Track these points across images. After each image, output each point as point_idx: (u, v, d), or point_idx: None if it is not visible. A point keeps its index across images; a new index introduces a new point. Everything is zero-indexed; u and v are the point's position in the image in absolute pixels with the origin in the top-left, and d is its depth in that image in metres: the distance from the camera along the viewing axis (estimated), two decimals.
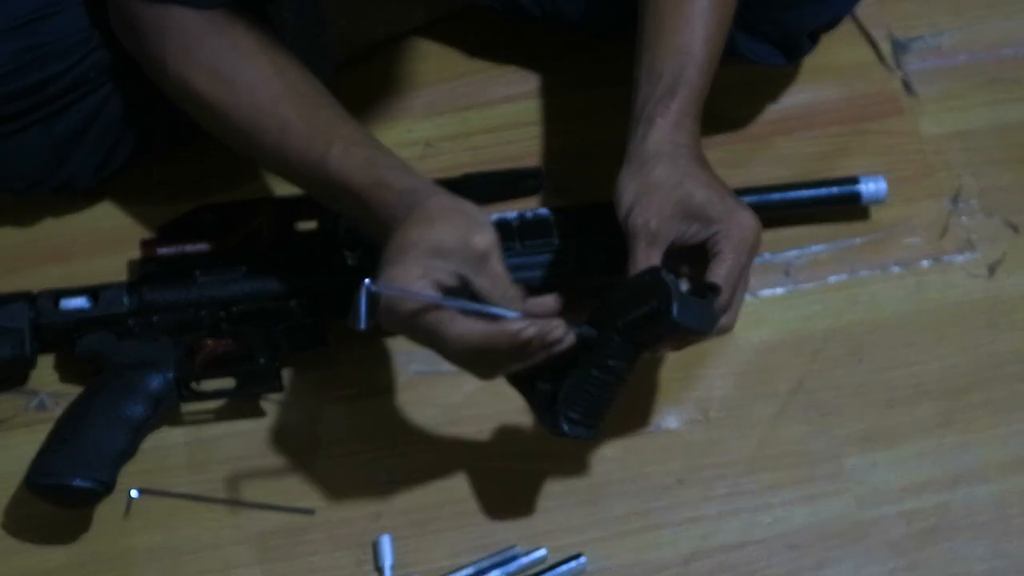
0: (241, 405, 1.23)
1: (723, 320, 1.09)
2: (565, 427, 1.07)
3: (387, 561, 1.15)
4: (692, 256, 1.11)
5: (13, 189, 1.27)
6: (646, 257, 1.09)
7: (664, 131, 1.11)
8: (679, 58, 1.13)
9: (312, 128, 1.10)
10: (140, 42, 1.14)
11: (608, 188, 1.32)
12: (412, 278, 1.01)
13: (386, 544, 1.16)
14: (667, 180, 1.10)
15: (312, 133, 1.10)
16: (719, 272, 1.08)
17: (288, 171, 1.13)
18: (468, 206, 1.06)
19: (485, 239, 1.03)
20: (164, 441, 1.22)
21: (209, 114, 1.13)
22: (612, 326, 1.06)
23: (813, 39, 1.32)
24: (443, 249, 1.03)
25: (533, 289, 1.21)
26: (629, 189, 1.11)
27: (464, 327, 1.02)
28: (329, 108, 1.13)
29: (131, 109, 1.25)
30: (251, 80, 1.11)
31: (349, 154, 1.09)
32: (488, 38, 1.41)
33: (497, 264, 1.04)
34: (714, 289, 1.06)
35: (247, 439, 1.22)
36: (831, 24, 1.31)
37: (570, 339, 1.05)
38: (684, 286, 1.05)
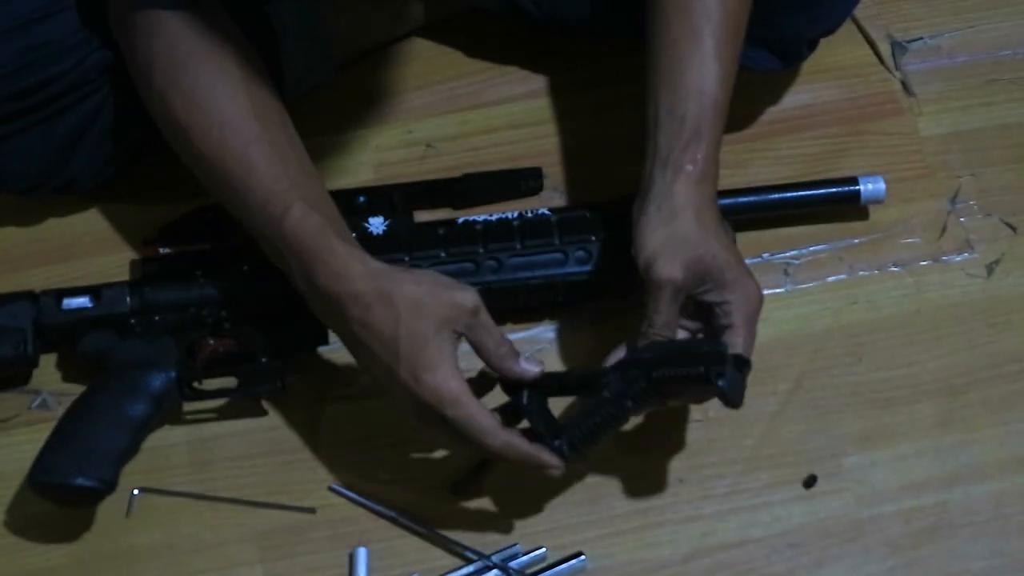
0: (242, 404, 1.23)
1: None
2: (566, 449, 1.09)
3: (361, 573, 1.16)
4: (693, 310, 1.14)
5: (15, 189, 1.28)
6: (669, 310, 1.11)
7: (693, 181, 1.12)
8: (701, 100, 1.13)
9: (276, 181, 1.11)
10: (131, 54, 1.15)
11: (608, 188, 1.33)
12: (452, 376, 1.07)
13: (361, 557, 1.16)
14: (694, 236, 1.11)
15: (274, 187, 1.11)
16: (736, 343, 1.10)
17: (243, 216, 1.13)
18: (429, 274, 1.11)
19: (470, 298, 1.08)
20: (166, 440, 1.22)
21: (181, 139, 1.13)
22: (645, 374, 1.08)
23: (811, 45, 1.32)
24: (445, 325, 1.07)
25: (533, 289, 1.22)
26: (655, 236, 1.11)
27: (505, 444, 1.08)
28: (296, 163, 1.13)
29: (132, 110, 1.25)
30: (226, 117, 1.11)
31: (307, 219, 1.10)
32: (488, 38, 1.42)
33: (487, 316, 1.09)
34: (748, 364, 1.09)
35: (248, 438, 1.22)
36: (830, 31, 1.32)
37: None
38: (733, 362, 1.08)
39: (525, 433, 1.10)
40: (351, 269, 1.08)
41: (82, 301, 1.21)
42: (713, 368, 1.05)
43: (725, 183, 1.32)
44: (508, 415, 1.11)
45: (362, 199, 1.27)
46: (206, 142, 1.12)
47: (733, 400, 1.06)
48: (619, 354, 1.13)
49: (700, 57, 1.14)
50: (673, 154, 1.12)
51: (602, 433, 1.10)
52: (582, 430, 1.10)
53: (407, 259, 1.22)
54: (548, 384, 1.12)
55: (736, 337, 1.10)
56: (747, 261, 1.15)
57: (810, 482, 1.19)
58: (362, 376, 1.24)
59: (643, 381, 1.08)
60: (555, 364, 1.25)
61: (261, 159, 1.11)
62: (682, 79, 1.14)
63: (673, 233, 1.11)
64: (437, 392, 1.06)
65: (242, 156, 1.11)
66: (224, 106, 1.11)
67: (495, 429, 1.07)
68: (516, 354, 1.10)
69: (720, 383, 1.05)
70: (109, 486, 1.14)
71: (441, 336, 1.07)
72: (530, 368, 1.10)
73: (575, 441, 1.10)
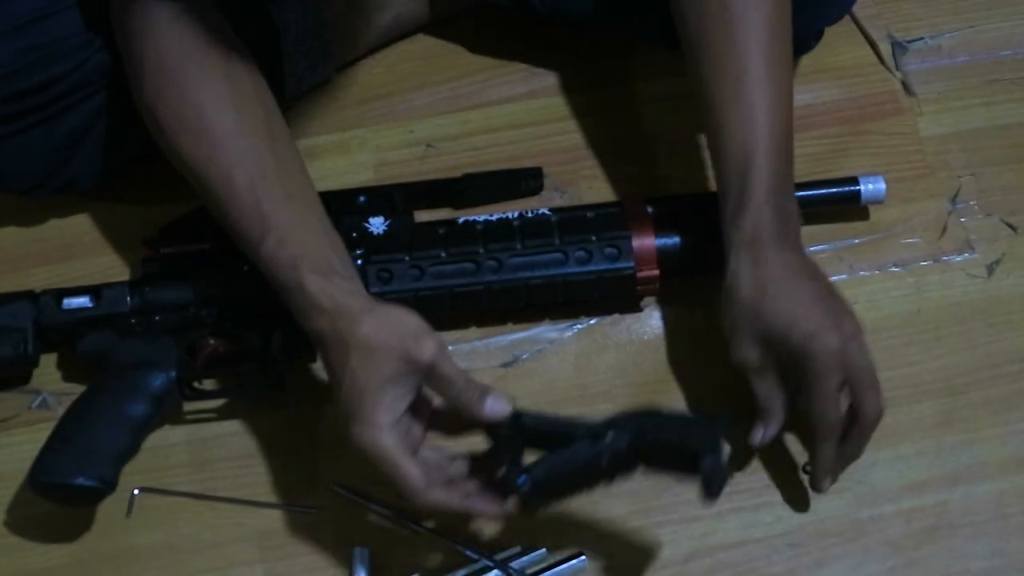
0: (243, 404, 1.23)
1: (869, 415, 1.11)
2: (527, 488, 1.04)
3: (361, 573, 1.16)
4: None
5: (15, 189, 1.28)
6: (765, 389, 1.12)
7: (745, 246, 1.12)
8: (745, 155, 1.12)
9: (255, 207, 1.09)
10: (125, 58, 1.14)
11: (609, 188, 1.33)
12: (384, 433, 1.04)
13: (362, 557, 1.16)
14: (753, 309, 1.10)
15: (252, 213, 1.10)
16: (811, 406, 1.10)
17: (229, 233, 1.12)
18: (397, 317, 1.06)
19: (427, 350, 1.04)
20: (166, 440, 1.22)
21: (169, 149, 1.13)
22: (628, 436, 1.05)
23: (818, 36, 1.32)
24: (394, 378, 1.04)
25: (533, 289, 1.22)
26: (725, 321, 1.13)
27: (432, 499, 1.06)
28: (279, 186, 1.11)
29: (133, 111, 1.25)
30: (214, 136, 1.11)
31: (280, 250, 1.08)
32: (489, 38, 1.42)
33: (446, 367, 1.06)
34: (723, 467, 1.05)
35: (249, 438, 1.22)
36: (836, 19, 1.32)
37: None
38: (728, 451, 1.05)
39: (489, 465, 1.08)
40: (316, 306, 1.07)
41: (82, 301, 1.22)
42: (698, 449, 1.02)
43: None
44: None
45: (362, 199, 1.27)
46: (193, 156, 1.11)
47: (708, 486, 1.02)
48: (500, 405, 1.07)
49: (742, 107, 1.13)
50: (727, 218, 1.13)
51: (568, 482, 1.05)
52: (548, 469, 1.05)
53: (407, 259, 1.22)
54: (522, 425, 1.07)
55: (809, 400, 1.10)
56: None
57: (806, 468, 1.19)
58: None
59: (624, 443, 1.04)
60: (556, 364, 1.25)
61: (243, 182, 1.10)
62: (723, 133, 1.14)
63: (732, 319, 1.12)
64: (363, 446, 1.04)
65: (226, 177, 1.10)
66: (211, 124, 1.11)
67: (420, 489, 1.04)
68: (482, 396, 1.06)
69: (703, 466, 1.01)
70: (109, 486, 1.14)
71: (384, 390, 1.04)
72: (498, 409, 1.06)
73: (539, 479, 1.04)
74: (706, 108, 1.16)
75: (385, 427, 1.04)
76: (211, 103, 1.11)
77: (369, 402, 1.04)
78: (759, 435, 1.14)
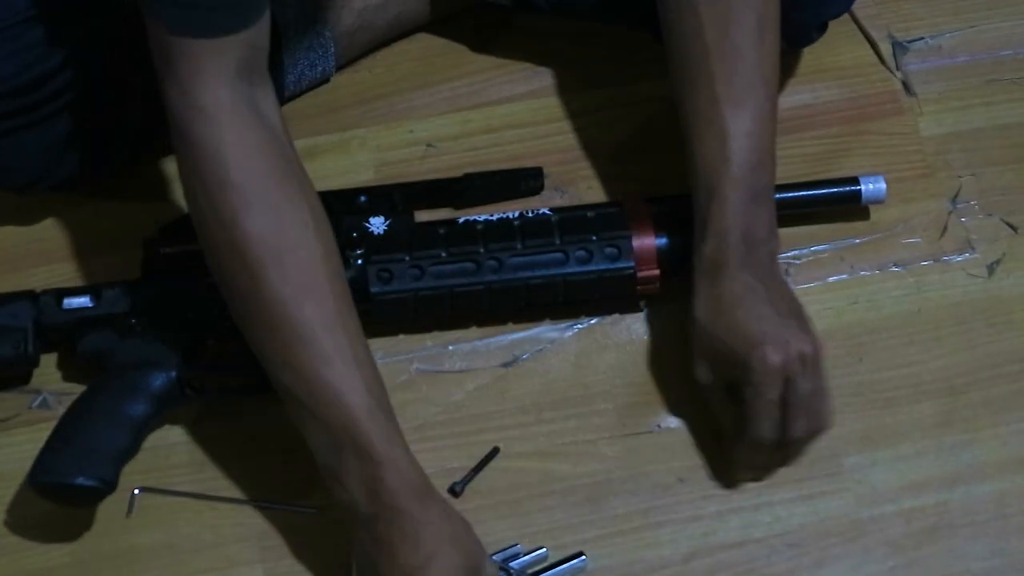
0: (242, 404, 1.23)
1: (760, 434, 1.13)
2: None
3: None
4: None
5: (11, 186, 1.27)
6: (714, 407, 1.16)
7: (699, 278, 1.14)
8: (709, 184, 1.13)
9: (356, 368, 1.05)
10: (188, 146, 1.06)
11: (609, 188, 1.33)
12: None
13: None
14: (700, 335, 1.14)
15: (353, 372, 1.05)
16: (746, 419, 1.12)
17: (293, 385, 1.06)
18: (459, 531, 1.07)
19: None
20: (166, 440, 1.22)
21: (242, 276, 1.05)
22: None
23: (820, 28, 1.32)
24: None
25: (534, 289, 1.22)
26: (692, 340, 1.15)
27: None
28: (363, 345, 1.08)
29: (128, 110, 1.25)
30: (310, 324, 1.05)
31: (383, 424, 1.05)
32: (490, 38, 1.42)
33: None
34: None
35: (249, 438, 1.22)
36: (840, 13, 1.32)
37: None
38: None
39: None
40: (419, 484, 1.06)
41: (83, 301, 1.22)
42: None
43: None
44: None
45: (363, 199, 1.27)
46: (273, 292, 1.04)
47: None
48: None
49: (715, 129, 1.14)
50: (695, 239, 1.15)
51: None
52: None
53: (407, 258, 1.22)
54: None
55: (747, 416, 1.12)
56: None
57: None
58: None
59: None
60: (556, 364, 1.25)
61: (344, 338, 1.06)
62: (694, 155, 1.15)
63: (692, 332, 1.15)
64: None
65: (324, 325, 1.05)
66: (298, 246, 1.06)
67: None
68: None
69: None
70: (109, 486, 1.14)
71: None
72: None
73: None
74: (682, 124, 1.17)
75: None
76: (298, 224, 1.06)
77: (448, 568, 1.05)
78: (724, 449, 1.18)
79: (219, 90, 1.03)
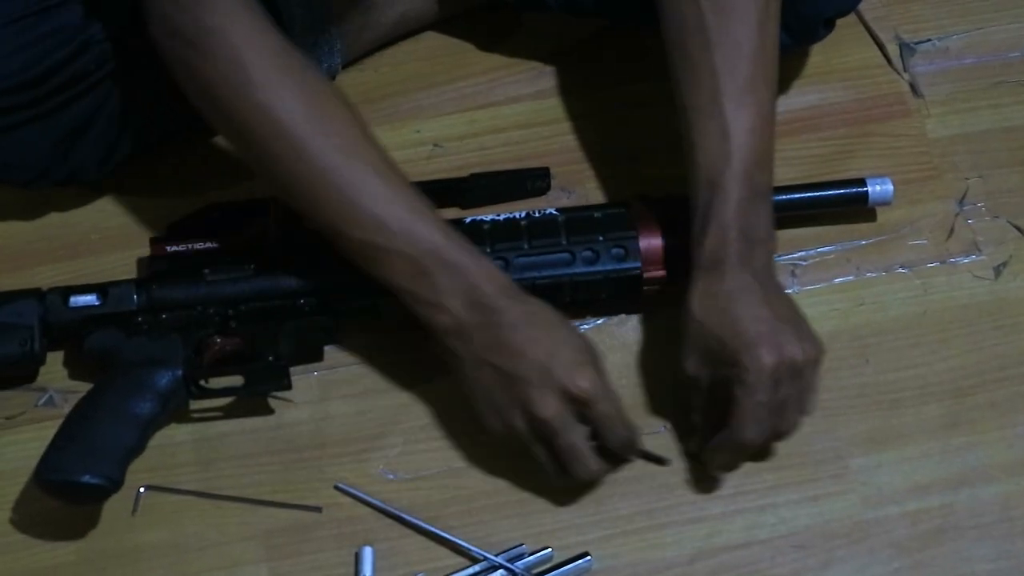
0: (249, 403, 1.23)
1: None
2: None
3: (367, 572, 1.16)
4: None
5: (18, 180, 1.28)
6: (694, 402, 1.16)
7: (697, 273, 1.14)
8: (711, 181, 1.13)
9: (417, 199, 1.13)
10: (199, 66, 1.11)
11: (616, 188, 1.33)
12: (600, 373, 1.13)
13: (367, 557, 1.16)
14: (693, 328, 1.13)
15: (417, 205, 1.13)
16: (731, 416, 1.12)
17: (361, 227, 1.12)
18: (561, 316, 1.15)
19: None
20: (172, 438, 1.22)
21: (287, 157, 1.11)
22: None
23: (827, 25, 1.32)
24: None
25: (540, 289, 1.22)
26: (682, 331, 1.15)
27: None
28: (409, 180, 1.15)
29: (135, 102, 1.25)
30: (340, 122, 1.13)
31: (461, 238, 1.13)
32: (496, 37, 1.42)
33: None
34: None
35: (255, 437, 1.22)
36: (847, 10, 1.32)
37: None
38: None
39: None
40: (513, 283, 1.14)
41: (89, 299, 1.22)
42: None
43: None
44: None
45: None
46: (321, 152, 1.11)
47: None
48: None
49: (715, 125, 1.14)
50: (693, 235, 1.14)
51: None
52: None
53: None
54: None
55: (733, 415, 1.12)
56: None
57: None
58: (369, 374, 1.24)
59: None
60: None
61: (394, 174, 1.13)
62: (694, 150, 1.14)
63: (684, 326, 1.14)
64: (595, 384, 1.11)
65: (379, 178, 1.13)
66: (335, 111, 1.13)
67: (632, 428, 1.14)
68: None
69: None
70: (115, 484, 1.15)
71: (591, 353, 1.13)
72: None
73: None
74: (681, 118, 1.16)
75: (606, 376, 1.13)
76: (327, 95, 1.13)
77: (586, 356, 1.12)
78: (690, 446, 1.19)
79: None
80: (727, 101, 1.13)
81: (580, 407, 1.11)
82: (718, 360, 1.12)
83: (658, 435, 1.21)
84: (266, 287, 1.21)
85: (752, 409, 1.10)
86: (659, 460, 1.20)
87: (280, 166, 1.11)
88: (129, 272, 1.28)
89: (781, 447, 1.20)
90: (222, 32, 1.09)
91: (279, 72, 1.10)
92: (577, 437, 1.12)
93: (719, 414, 1.13)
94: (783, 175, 1.33)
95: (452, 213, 1.30)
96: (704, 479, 1.19)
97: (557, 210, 1.26)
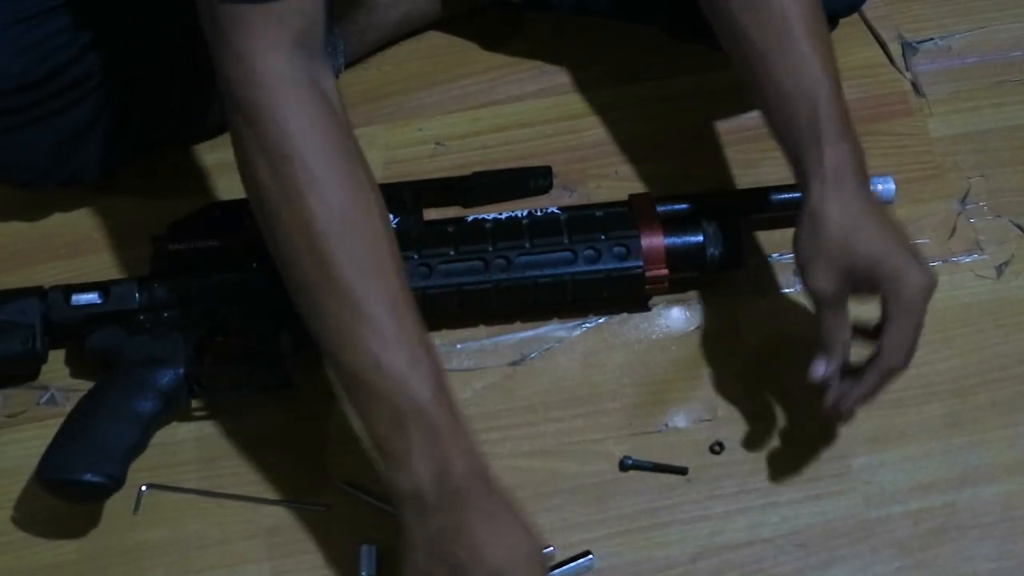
0: (251, 401, 1.23)
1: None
2: None
3: (368, 571, 1.16)
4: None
5: (19, 182, 1.28)
6: (833, 320, 1.10)
7: (828, 184, 1.10)
8: (811, 98, 1.11)
9: (422, 350, 1.03)
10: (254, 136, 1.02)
11: (618, 187, 1.33)
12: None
13: (369, 555, 1.16)
14: (838, 241, 1.09)
15: (417, 357, 1.02)
16: (888, 336, 1.08)
17: (351, 361, 1.02)
18: (524, 518, 1.05)
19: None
20: (174, 437, 1.22)
21: (307, 254, 1.02)
22: None
23: (831, 22, 1.32)
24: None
25: (542, 288, 1.22)
26: (802, 249, 1.11)
27: None
28: (423, 326, 1.05)
29: (137, 104, 1.25)
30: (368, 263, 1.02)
31: (450, 400, 1.03)
32: (499, 36, 1.42)
33: None
34: None
35: (256, 435, 1.22)
36: (852, 8, 1.32)
37: None
38: None
39: None
40: (486, 466, 1.04)
41: (91, 297, 1.22)
42: None
43: (733, 183, 1.32)
44: None
45: None
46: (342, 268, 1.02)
47: None
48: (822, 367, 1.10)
49: (795, 53, 1.12)
50: (803, 160, 1.11)
51: None
52: None
53: (416, 256, 1.22)
54: None
55: (888, 331, 1.08)
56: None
57: (715, 448, 1.21)
58: None
59: None
60: (564, 363, 1.25)
61: (404, 309, 1.03)
62: (784, 82, 1.12)
63: (813, 246, 1.10)
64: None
65: (387, 314, 1.02)
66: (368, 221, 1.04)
67: None
68: None
69: None
70: (117, 482, 1.15)
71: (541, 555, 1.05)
72: None
73: None
74: (752, 53, 1.13)
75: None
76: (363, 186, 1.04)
77: (525, 560, 1.02)
78: (821, 368, 1.12)
79: (278, 60, 1.00)
80: (801, 35, 1.12)
81: None
82: (865, 279, 1.09)
83: (659, 434, 1.21)
84: (267, 285, 1.21)
85: (908, 328, 1.08)
86: (679, 471, 1.19)
87: (298, 265, 1.03)
88: (131, 271, 1.28)
89: (781, 447, 1.21)
90: (273, 109, 1.01)
91: (325, 152, 1.02)
92: None
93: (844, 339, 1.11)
94: (786, 174, 1.32)
95: (454, 211, 1.30)
96: (706, 477, 1.19)
97: (559, 209, 1.26)
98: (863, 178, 1.11)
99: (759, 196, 1.28)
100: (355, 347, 1.01)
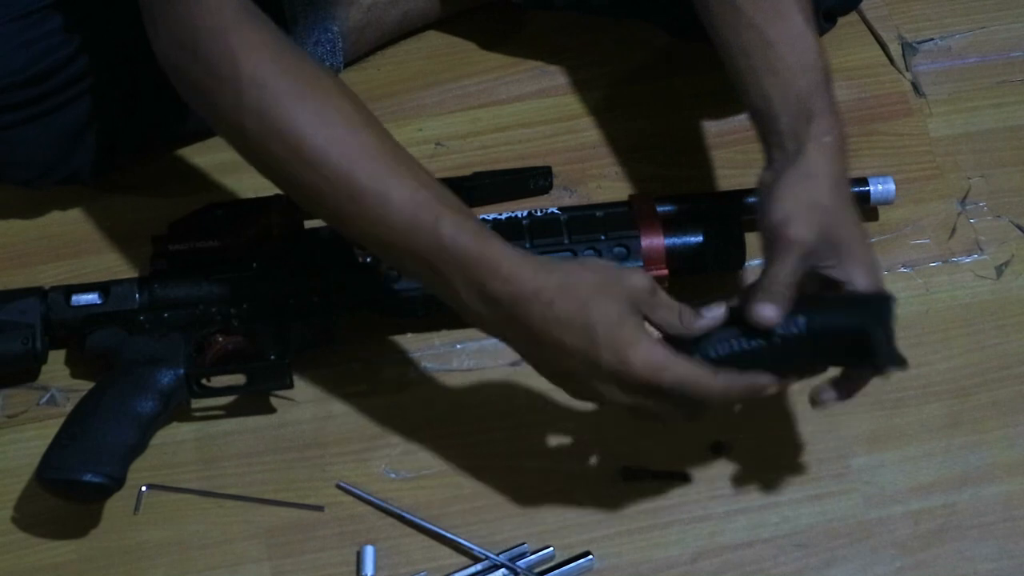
0: (251, 401, 1.23)
1: None
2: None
3: (368, 571, 1.16)
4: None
5: (18, 180, 1.28)
6: (794, 273, 1.08)
7: (829, 152, 1.10)
8: (808, 73, 1.11)
9: (417, 191, 1.05)
10: (203, 83, 1.06)
11: (618, 187, 1.33)
12: (654, 344, 1.04)
13: (369, 555, 1.16)
14: (831, 204, 1.09)
15: (417, 196, 1.04)
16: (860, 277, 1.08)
17: (377, 233, 1.05)
18: (598, 261, 1.14)
19: (645, 278, 1.06)
20: (174, 437, 1.22)
21: (305, 171, 1.05)
22: (807, 315, 1.06)
23: (828, 18, 1.32)
24: (633, 302, 1.04)
25: None
26: (792, 198, 1.09)
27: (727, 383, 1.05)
28: (422, 170, 1.07)
29: (136, 102, 1.25)
30: (356, 143, 1.06)
31: (463, 224, 1.04)
32: (499, 36, 1.42)
33: (663, 293, 1.06)
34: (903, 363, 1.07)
35: (256, 435, 1.22)
36: (850, 6, 1.31)
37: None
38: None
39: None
40: (523, 268, 1.04)
41: (91, 297, 1.22)
42: (871, 320, 1.04)
43: (733, 183, 1.32)
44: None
45: None
46: (325, 170, 1.05)
47: (883, 357, 1.05)
48: (716, 311, 1.07)
49: (791, 32, 1.12)
50: (802, 130, 1.10)
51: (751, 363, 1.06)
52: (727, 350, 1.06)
53: None
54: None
55: (857, 275, 1.08)
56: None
57: (717, 448, 1.21)
58: (371, 373, 1.24)
59: (797, 327, 1.05)
60: None
61: (404, 170, 1.06)
62: (782, 61, 1.12)
63: (810, 197, 1.09)
64: (649, 363, 1.03)
65: (377, 170, 1.05)
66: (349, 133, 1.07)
67: (711, 375, 1.04)
68: (698, 314, 1.06)
69: (874, 337, 1.03)
70: (117, 482, 1.15)
71: (631, 314, 1.04)
72: (714, 314, 1.07)
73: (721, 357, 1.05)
74: (748, 29, 1.13)
75: (652, 341, 1.04)
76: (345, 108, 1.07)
77: (629, 326, 1.03)
78: (772, 311, 1.08)
79: (224, 8, 1.04)
80: (796, 11, 1.12)
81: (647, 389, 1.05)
82: (838, 248, 1.09)
83: (659, 434, 1.21)
84: (267, 286, 1.21)
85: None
86: (682, 477, 1.20)
87: (300, 177, 1.06)
88: (131, 271, 1.28)
89: (783, 447, 1.20)
90: (217, 31, 1.04)
91: (297, 78, 1.05)
92: (666, 406, 1.06)
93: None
94: None
95: None
96: (706, 477, 1.19)
97: (559, 209, 1.26)
98: (848, 163, 1.12)
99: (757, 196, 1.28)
100: (371, 234, 1.05)
